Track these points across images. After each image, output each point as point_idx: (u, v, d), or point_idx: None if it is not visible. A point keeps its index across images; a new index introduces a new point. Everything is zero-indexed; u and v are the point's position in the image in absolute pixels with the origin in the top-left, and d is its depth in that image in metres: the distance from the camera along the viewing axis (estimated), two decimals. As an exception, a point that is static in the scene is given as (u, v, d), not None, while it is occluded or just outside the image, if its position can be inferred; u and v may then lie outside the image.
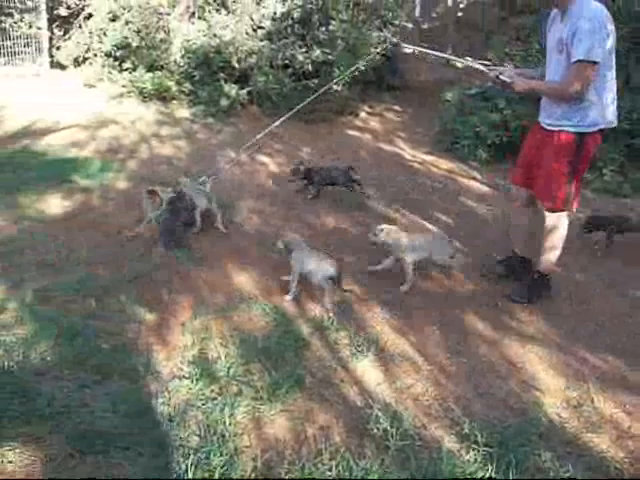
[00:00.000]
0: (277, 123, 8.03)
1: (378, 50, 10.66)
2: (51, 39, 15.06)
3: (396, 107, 14.48)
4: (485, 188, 9.82)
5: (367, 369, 5.12)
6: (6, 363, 4.82)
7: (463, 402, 4.73)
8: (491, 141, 10.66)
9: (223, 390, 4.73)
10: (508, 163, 10.07)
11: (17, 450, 4.00)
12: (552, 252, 6.18)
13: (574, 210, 6.12)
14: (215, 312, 5.76)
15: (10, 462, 3.91)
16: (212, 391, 4.71)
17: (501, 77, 5.93)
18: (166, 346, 5.26)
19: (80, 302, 5.80)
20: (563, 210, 5.99)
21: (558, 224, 6.04)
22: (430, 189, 9.57)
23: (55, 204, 8.00)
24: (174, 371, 4.93)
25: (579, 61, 5.44)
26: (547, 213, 6.03)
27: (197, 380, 4.76)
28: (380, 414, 4.48)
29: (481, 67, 6.33)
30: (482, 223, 8.35)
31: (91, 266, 6.49)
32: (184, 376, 4.84)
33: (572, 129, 5.74)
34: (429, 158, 11.14)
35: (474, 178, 10.26)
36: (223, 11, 13.43)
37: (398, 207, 8.60)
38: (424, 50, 9.07)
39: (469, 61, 6.78)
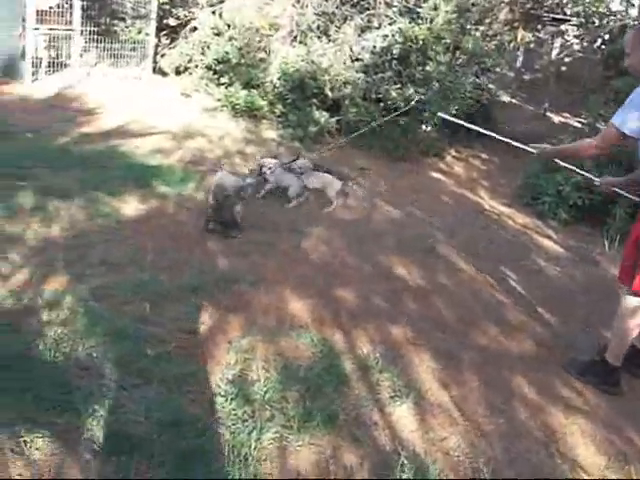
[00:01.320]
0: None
1: (404, 108, 10.67)
2: (157, 46, 15.53)
3: (483, 155, 14.33)
4: (559, 249, 9.58)
5: (403, 415, 5.02)
6: (53, 353, 4.93)
7: (493, 465, 4.58)
8: (573, 202, 10.39)
9: (255, 413, 4.72)
10: (587, 226, 9.86)
11: (47, 439, 4.09)
12: (624, 339, 5.63)
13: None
14: (264, 335, 5.76)
15: (37, 449, 4.00)
16: (244, 412, 4.70)
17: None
18: (210, 361, 5.28)
19: (136, 304, 5.88)
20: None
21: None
22: (503, 242, 9.39)
23: (131, 206, 8.17)
24: (212, 387, 4.95)
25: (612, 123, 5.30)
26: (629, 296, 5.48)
27: (232, 399, 4.77)
28: (407, 462, 4.39)
29: (521, 146, 6.37)
30: (549, 283, 8.14)
31: (153, 270, 6.59)
32: (220, 393, 4.85)
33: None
34: (507, 210, 10.96)
35: (549, 237, 10.02)
36: (324, 39, 13.61)
37: (467, 255, 8.47)
38: (457, 121, 8.81)
39: (508, 140, 6.81)
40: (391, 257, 8.02)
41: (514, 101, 19.05)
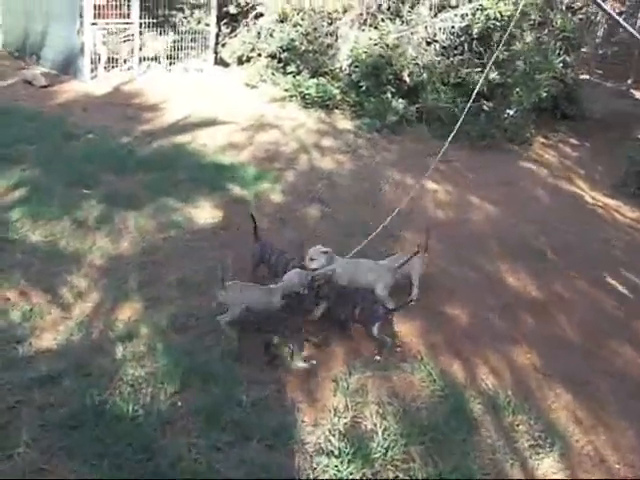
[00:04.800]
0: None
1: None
2: (217, 36, 14.79)
3: (573, 140, 13.18)
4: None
5: (550, 470, 4.23)
6: (131, 407, 4.17)
7: None
8: (692, 192, 9.28)
9: (377, 476, 3.91)
10: None
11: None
12: None
13: None
14: (373, 369, 4.94)
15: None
16: (364, 475, 3.90)
17: None
18: (314, 406, 4.49)
19: (221, 335, 5.10)
20: None
21: None
22: (613, 241, 8.37)
23: (204, 213, 7.42)
24: (321, 442, 4.14)
25: None
26: None
27: (349, 461, 3.96)
28: None
29: None
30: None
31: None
32: (333, 452, 4.05)
33: None
34: (611, 202, 9.88)
35: None
36: (397, 21, 12.59)
37: (579, 258, 7.50)
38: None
39: None
40: (498, 263, 7.11)
41: (593, 78, 17.81)
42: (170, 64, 14.25)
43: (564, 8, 12.88)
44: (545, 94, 11.77)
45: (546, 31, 12.53)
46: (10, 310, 5.15)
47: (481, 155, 11.29)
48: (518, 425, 4.55)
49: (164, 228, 6.92)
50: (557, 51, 12.21)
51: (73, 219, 6.83)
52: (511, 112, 11.90)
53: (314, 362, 4.97)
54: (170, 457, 3.81)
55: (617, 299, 6.70)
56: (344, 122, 12.01)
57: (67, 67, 13.17)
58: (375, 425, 4.32)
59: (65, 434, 3.91)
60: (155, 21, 14.00)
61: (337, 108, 12.50)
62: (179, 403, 4.33)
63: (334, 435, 4.19)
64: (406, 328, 5.56)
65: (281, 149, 10.16)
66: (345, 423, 4.32)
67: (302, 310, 5.20)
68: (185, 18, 14.68)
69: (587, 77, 16.73)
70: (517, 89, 11.76)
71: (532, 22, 12.25)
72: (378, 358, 5.11)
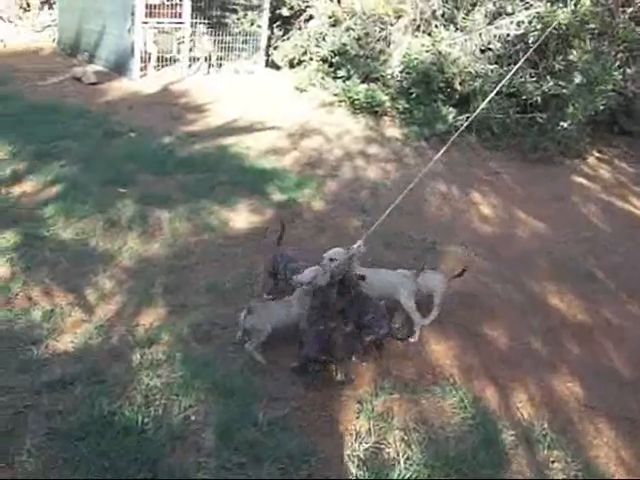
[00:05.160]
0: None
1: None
2: (269, 38, 14.66)
3: (629, 156, 12.66)
4: None
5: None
6: (141, 419, 3.96)
7: None
8: None
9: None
10: None
11: None
12: None
13: None
14: (400, 390, 4.66)
15: None
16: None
17: None
18: (336, 428, 4.23)
19: (244, 348, 4.89)
20: None
21: None
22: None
23: (241, 217, 7.23)
24: (340, 469, 3.87)
25: None
26: None
27: (366, 490, 3.71)
28: None
29: None
30: None
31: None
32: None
33: None
34: None
35: None
36: (451, 27, 12.27)
37: (630, 282, 7.10)
38: None
39: None
40: (544, 284, 6.75)
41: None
42: (221, 65, 14.15)
43: (627, 17, 12.40)
44: (602, 107, 11.30)
45: (607, 42, 12.06)
46: (31, 310, 5.03)
47: (532, 168, 10.90)
48: (553, 462, 4.23)
49: (198, 231, 6.76)
50: (617, 62, 11.77)
51: (106, 218, 6.71)
52: (565, 125, 11.43)
53: (353, 377, 4.73)
54: (176, 476, 3.60)
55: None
56: (392, 129, 11.72)
57: (118, 65, 13.19)
58: (398, 453, 4.05)
59: (70, 445, 3.73)
60: (207, 22, 13.93)
61: (386, 115, 12.21)
62: (192, 417, 4.12)
63: (353, 462, 3.94)
64: (440, 348, 5.28)
65: (325, 156, 9.93)
66: (366, 449, 4.06)
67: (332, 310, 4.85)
68: (238, 19, 14.57)
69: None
70: (573, 101, 11.32)
71: (592, 31, 11.81)
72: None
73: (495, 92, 10.70)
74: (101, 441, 3.75)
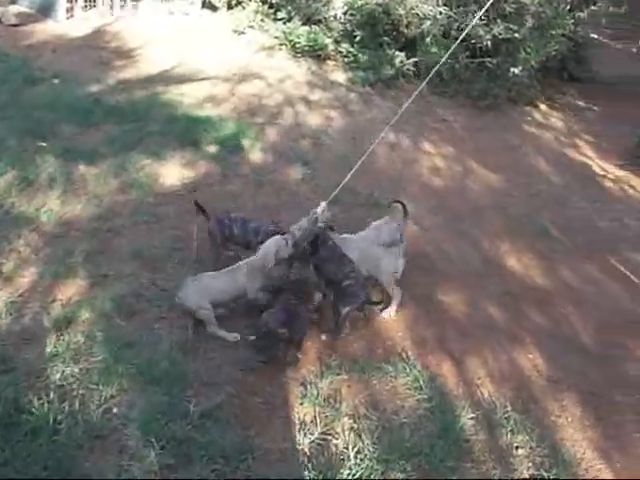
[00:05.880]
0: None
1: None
2: (207, -24, 13.77)
3: (581, 102, 12.23)
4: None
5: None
6: (54, 414, 3.43)
7: None
8: None
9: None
10: None
11: None
12: None
13: None
14: (349, 369, 4.20)
15: None
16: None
17: None
18: (276, 416, 3.76)
19: (175, 321, 4.37)
20: None
21: None
22: (625, 219, 7.55)
23: (172, 172, 6.63)
24: (282, 467, 3.40)
25: None
26: None
27: (313, 493, 3.26)
28: None
29: None
30: None
31: (200, 268, 5.04)
32: (295, 481, 3.34)
33: None
34: (623, 174, 9.00)
35: None
36: (396, -34, 11.62)
37: (588, 240, 6.75)
38: None
39: None
40: (499, 242, 6.36)
41: (602, 38, 16.82)
42: (155, 6, 13.23)
43: (579, -41, 11.95)
44: (554, 52, 10.88)
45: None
46: None
47: (482, 116, 10.44)
48: (517, 448, 3.85)
49: (125, 189, 6.16)
50: (569, 6, 11.33)
51: (23, 176, 6.07)
52: (517, 71, 10.97)
53: (299, 356, 4.27)
54: (95, 484, 3.10)
55: (630, 289, 5.96)
56: (336, 74, 11.04)
57: (43, 7, 12.05)
58: (347, 445, 3.60)
59: (-34, 451, 3.19)
60: (139, -42, 12.98)
61: (329, 59, 11.52)
62: (114, 410, 3.61)
63: (297, 458, 3.48)
64: (391, 319, 4.81)
65: (265, 102, 9.26)
66: (312, 441, 3.60)
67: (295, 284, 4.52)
68: (174, -44, 13.64)
69: (596, 37, 15.74)
70: (524, 45, 10.85)
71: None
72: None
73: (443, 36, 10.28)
74: (5, 446, 3.21)
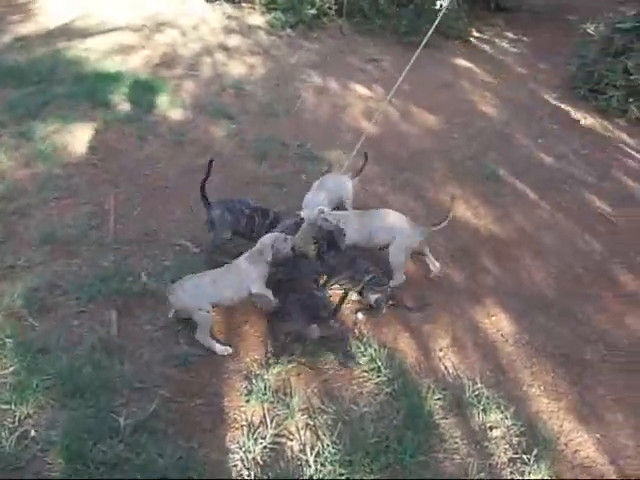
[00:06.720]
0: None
1: None
2: None
3: (509, 34, 11.78)
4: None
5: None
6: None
7: None
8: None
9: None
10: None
11: None
12: None
13: None
14: (298, 355, 3.72)
15: None
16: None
17: None
18: (220, 420, 3.27)
19: (97, 314, 3.83)
20: None
21: None
22: (570, 155, 7.13)
23: (82, 138, 5.94)
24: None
25: None
26: None
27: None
28: None
29: None
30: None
31: (121, 248, 4.48)
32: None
33: None
34: (561, 107, 8.58)
35: (626, 144, 7.68)
36: None
37: (536, 181, 6.34)
38: None
39: None
40: (446, 189, 5.89)
41: None
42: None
43: None
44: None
45: None
46: None
47: (412, 53, 9.85)
48: (492, 429, 3.46)
49: (30, 162, 5.46)
50: None
51: None
52: (444, 3, 10.45)
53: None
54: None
55: (585, 229, 5.60)
56: (253, 17, 10.36)
57: None
58: (304, 448, 3.14)
59: None
60: None
61: (245, 1, 10.82)
62: (32, 433, 3.06)
63: (249, 468, 3.01)
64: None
65: (180, 52, 8.55)
66: (264, 447, 3.13)
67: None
68: None
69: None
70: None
71: None
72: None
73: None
74: None
